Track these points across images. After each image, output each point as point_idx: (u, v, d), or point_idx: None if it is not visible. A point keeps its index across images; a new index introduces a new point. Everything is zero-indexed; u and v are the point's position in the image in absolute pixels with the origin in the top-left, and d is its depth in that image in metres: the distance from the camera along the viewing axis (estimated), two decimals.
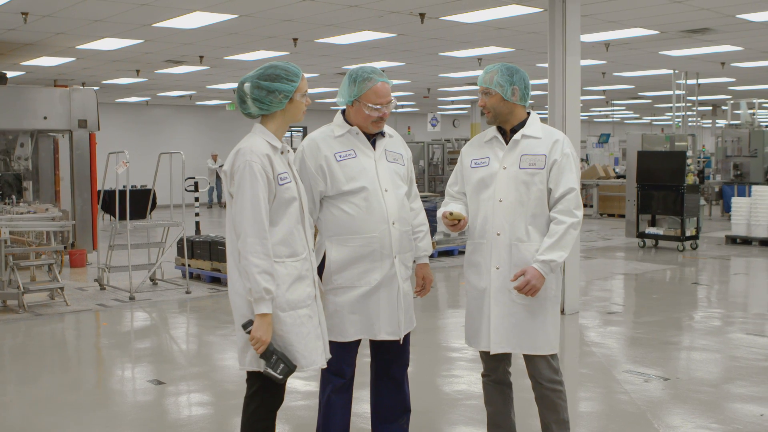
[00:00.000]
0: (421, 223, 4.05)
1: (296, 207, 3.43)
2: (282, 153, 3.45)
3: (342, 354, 3.71)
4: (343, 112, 3.91)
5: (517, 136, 3.83)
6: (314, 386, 5.52)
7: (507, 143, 3.86)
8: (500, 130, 3.91)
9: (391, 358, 4.00)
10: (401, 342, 3.93)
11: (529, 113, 3.91)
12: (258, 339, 3.23)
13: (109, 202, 12.76)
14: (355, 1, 10.46)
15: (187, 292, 9.78)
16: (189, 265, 10.41)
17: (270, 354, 3.26)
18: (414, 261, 4.05)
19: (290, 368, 3.30)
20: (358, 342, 3.89)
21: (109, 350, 7.36)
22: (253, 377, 3.43)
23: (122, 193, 10.07)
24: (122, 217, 9.91)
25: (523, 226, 3.76)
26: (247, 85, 3.40)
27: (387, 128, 3.95)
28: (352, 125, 3.84)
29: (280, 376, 3.28)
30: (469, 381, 5.96)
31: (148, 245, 10.83)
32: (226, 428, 5.05)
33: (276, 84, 3.36)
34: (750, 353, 6.71)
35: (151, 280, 10.43)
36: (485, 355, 3.98)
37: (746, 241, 14.12)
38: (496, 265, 3.79)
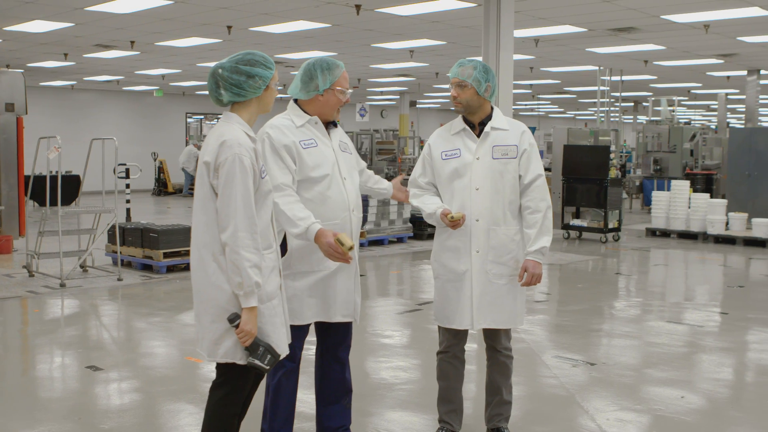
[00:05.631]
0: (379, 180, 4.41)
1: (270, 199, 3.44)
2: (254, 143, 3.40)
3: (295, 338, 3.73)
4: (296, 101, 3.94)
5: (487, 128, 4.13)
6: None
7: (477, 135, 4.14)
8: (467, 122, 4.17)
9: (338, 340, 4.10)
10: (357, 323, 4.08)
11: (492, 107, 4.22)
12: (247, 332, 3.22)
13: (35, 188, 12.52)
14: None
15: (119, 279, 9.71)
16: (120, 252, 10.34)
17: (256, 346, 3.27)
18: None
19: (276, 358, 3.32)
20: (309, 325, 3.97)
21: (39, 337, 7.27)
22: (223, 366, 3.39)
23: (52, 178, 9.90)
24: (52, 203, 9.76)
25: (500, 212, 4.10)
26: (222, 70, 3.31)
27: None
28: (310, 115, 3.89)
29: (267, 367, 3.29)
30: (404, 366, 6.13)
31: (78, 232, 10.69)
32: (157, 414, 5.08)
33: (256, 69, 3.32)
34: (669, 339, 7.05)
35: (82, 267, 10.32)
36: (449, 333, 4.27)
37: (665, 234, 14.66)
38: (476, 249, 4.10)
